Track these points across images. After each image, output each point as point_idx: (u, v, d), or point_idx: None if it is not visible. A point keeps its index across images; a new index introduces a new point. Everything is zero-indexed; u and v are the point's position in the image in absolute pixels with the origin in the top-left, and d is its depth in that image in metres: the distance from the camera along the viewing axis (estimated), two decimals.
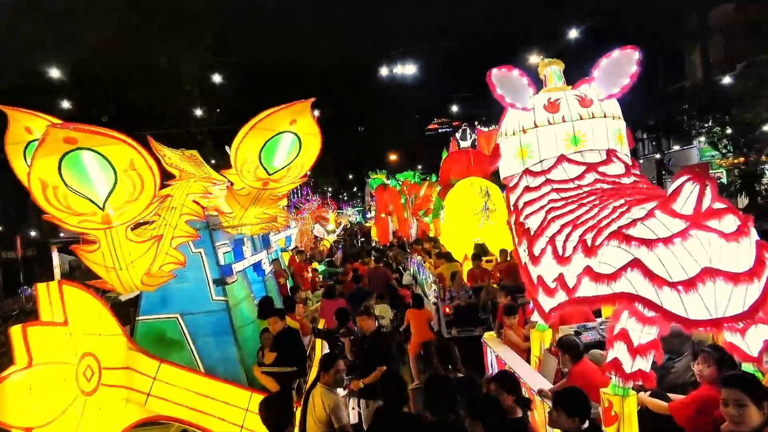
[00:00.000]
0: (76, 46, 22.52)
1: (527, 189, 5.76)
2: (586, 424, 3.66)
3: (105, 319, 4.94)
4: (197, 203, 6.15)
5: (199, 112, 29.37)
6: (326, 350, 7.37)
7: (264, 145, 5.97)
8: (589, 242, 4.36)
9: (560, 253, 4.77)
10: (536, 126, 5.78)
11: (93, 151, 4.61)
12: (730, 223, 3.73)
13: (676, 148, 33.15)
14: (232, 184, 6.83)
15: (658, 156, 33.02)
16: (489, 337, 7.31)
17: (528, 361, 6.26)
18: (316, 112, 6.17)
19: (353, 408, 6.70)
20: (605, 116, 5.68)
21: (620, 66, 5.62)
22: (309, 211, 26.95)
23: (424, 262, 13.56)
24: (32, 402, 3.75)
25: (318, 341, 8.08)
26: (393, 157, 53.66)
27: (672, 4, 27.17)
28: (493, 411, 3.85)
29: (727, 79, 25.36)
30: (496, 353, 6.59)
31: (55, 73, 22.43)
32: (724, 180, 26.45)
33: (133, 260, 5.25)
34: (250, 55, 33.86)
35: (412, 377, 8.79)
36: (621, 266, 3.94)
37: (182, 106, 28.82)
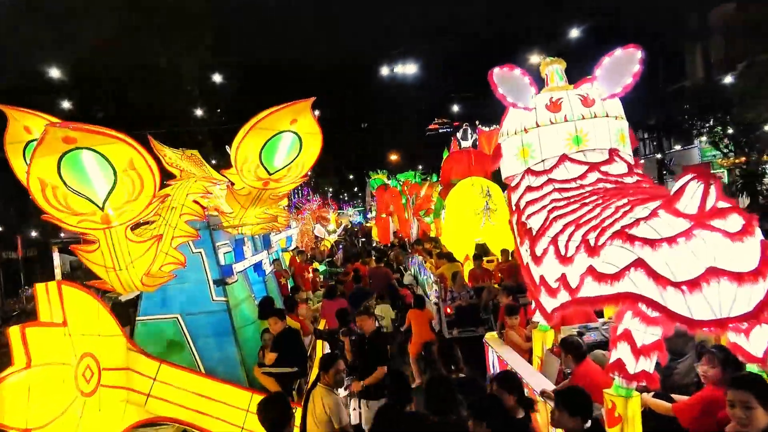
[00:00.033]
0: (76, 46, 22.51)
1: (529, 188, 5.73)
2: (589, 424, 3.64)
3: (104, 319, 4.92)
4: (197, 203, 6.12)
5: (198, 112, 29.36)
6: (327, 351, 7.34)
7: (264, 144, 5.94)
8: (592, 242, 4.33)
9: (563, 252, 4.73)
10: (538, 126, 5.74)
11: (92, 150, 4.58)
12: (734, 222, 3.69)
13: (677, 147, 33.12)
14: (232, 183, 6.80)
15: (659, 156, 32.99)
16: (491, 337, 7.28)
17: (530, 361, 6.23)
18: (317, 112, 6.13)
19: (354, 409, 6.67)
20: (607, 116, 5.63)
21: (623, 65, 5.57)
22: (310, 211, 26.93)
23: (425, 262, 13.54)
24: (31, 403, 3.72)
25: (319, 342, 8.07)
26: (394, 157, 53.60)
27: (672, 4, 27.16)
28: (496, 411, 3.82)
29: (728, 79, 25.33)
30: (498, 354, 6.56)
31: (55, 73, 22.42)
32: (726, 180, 26.41)
33: (132, 260, 5.22)
34: (250, 55, 33.88)
35: (412, 377, 8.76)
36: (624, 266, 3.90)
37: (182, 106, 28.82)
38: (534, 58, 20.34)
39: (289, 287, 11.87)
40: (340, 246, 28.13)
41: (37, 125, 5.19)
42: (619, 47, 5.59)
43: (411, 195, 21.82)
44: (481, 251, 12.31)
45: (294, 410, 4.71)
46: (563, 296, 4.77)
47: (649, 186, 5.30)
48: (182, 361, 6.10)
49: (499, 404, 3.97)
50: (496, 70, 5.76)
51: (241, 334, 6.71)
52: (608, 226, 4.24)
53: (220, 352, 6.48)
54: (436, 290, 11.08)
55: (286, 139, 6.00)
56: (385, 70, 25.89)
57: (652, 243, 3.78)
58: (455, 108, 42.58)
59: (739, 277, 3.54)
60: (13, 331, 3.72)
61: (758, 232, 3.70)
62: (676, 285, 3.64)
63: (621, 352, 3.98)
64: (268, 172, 6.24)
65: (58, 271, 24.67)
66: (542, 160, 5.70)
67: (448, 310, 10.39)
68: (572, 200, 5.11)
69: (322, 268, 17.89)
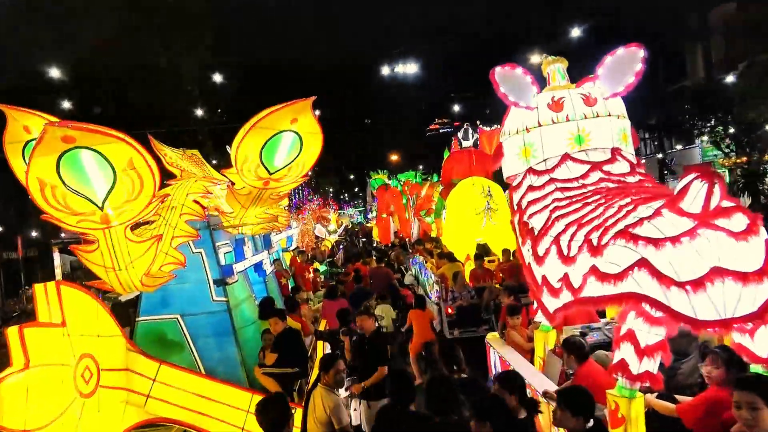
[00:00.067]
0: (76, 46, 22.50)
1: (531, 188, 5.70)
2: (591, 423, 3.61)
3: (103, 320, 4.89)
4: (198, 203, 6.09)
5: (198, 112, 29.34)
6: (328, 351, 7.32)
7: (265, 144, 5.91)
8: (594, 241, 4.30)
9: (565, 252, 4.70)
10: (540, 125, 5.71)
11: (92, 149, 4.55)
12: (739, 221, 3.66)
13: (679, 147, 33.10)
14: (232, 183, 6.77)
15: (660, 156, 32.96)
16: (492, 337, 7.25)
17: (532, 362, 6.20)
18: (317, 112, 6.10)
19: (354, 409, 6.64)
20: (610, 115, 5.61)
21: (625, 64, 5.54)
22: (310, 211, 26.91)
23: (426, 262, 13.51)
24: (29, 404, 3.69)
25: (320, 342, 8.04)
26: (394, 157, 53.60)
27: (673, 4, 27.13)
28: (499, 411, 3.79)
29: (729, 78, 25.31)
30: (500, 354, 6.53)
31: (54, 73, 22.41)
32: (727, 180, 26.35)
33: (132, 260, 5.19)
34: (250, 55, 33.85)
35: (413, 377, 8.73)
36: (628, 266, 3.88)
37: (182, 106, 28.80)
38: (534, 58, 20.29)
39: (290, 287, 11.84)
40: (341, 246, 28.10)
41: (37, 125, 5.16)
42: (620, 46, 5.56)
43: (412, 195, 21.78)
44: (482, 251, 12.28)
45: (294, 411, 4.69)
46: (566, 296, 4.75)
47: (651, 185, 5.27)
48: (182, 361, 6.07)
49: (501, 404, 3.94)
50: (498, 69, 5.74)
51: (241, 335, 6.68)
52: (611, 225, 4.21)
53: (220, 353, 6.45)
54: (437, 290, 11.06)
55: (286, 139, 5.97)
56: (385, 70, 25.88)
57: (655, 242, 3.75)
58: (456, 108, 42.57)
59: (743, 277, 3.51)
60: (12, 332, 3.69)
61: (763, 231, 3.67)
62: (680, 285, 3.61)
63: (624, 352, 3.95)
64: (268, 171, 6.20)
65: (58, 272, 24.66)
66: (544, 160, 5.67)
67: (449, 311, 10.37)
68: (574, 200, 5.08)
69: (322, 268, 17.87)
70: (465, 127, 16.08)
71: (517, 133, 5.92)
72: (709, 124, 27.34)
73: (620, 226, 4.10)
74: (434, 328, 9.32)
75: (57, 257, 25.63)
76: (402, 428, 4.18)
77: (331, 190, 60.78)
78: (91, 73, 24.95)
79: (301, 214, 24.92)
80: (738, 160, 26.09)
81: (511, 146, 6.05)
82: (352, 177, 69.35)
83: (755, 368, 3.93)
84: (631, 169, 5.43)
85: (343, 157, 55.88)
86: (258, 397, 5.17)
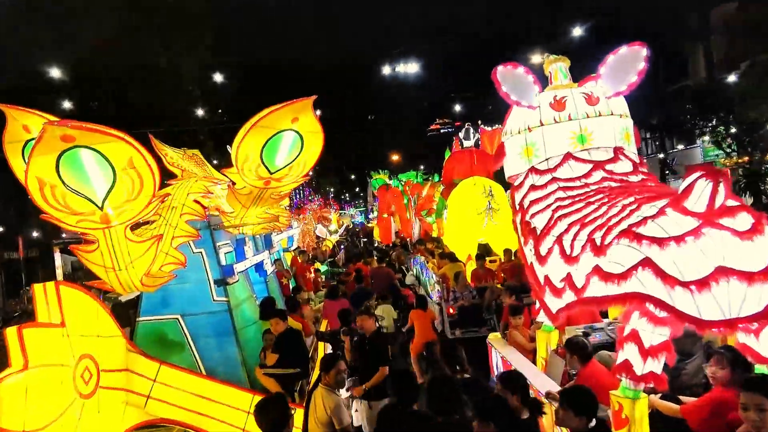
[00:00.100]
0: (76, 46, 22.50)
1: (533, 187, 5.67)
2: (593, 423, 3.59)
3: (103, 320, 4.86)
4: (198, 203, 6.06)
5: (198, 113, 29.33)
6: (329, 351, 7.29)
7: (265, 143, 5.86)
8: (598, 241, 4.26)
9: (568, 252, 4.67)
10: (542, 124, 5.68)
11: (91, 149, 4.52)
12: (744, 220, 3.63)
13: (680, 147, 33.07)
14: (233, 183, 6.74)
15: (661, 155, 32.92)
16: (494, 338, 7.22)
17: (534, 362, 6.17)
18: (318, 112, 6.06)
19: (356, 410, 6.62)
20: (612, 114, 5.58)
21: (628, 63, 5.51)
22: (311, 211, 26.89)
23: (428, 262, 13.48)
24: (28, 405, 3.66)
25: (321, 342, 8.00)
26: (395, 157, 53.56)
27: (675, 4, 27.10)
28: (501, 412, 3.77)
29: (731, 78, 25.27)
30: (502, 354, 6.50)
31: (54, 73, 22.41)
32: None
33: (132, 260, 5.16)
34: (250, 55, 33.84)
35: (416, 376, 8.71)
36: (631, 265, 3.85)
37: (182, 106, 28.79)
38: (535, 58, 20.27)
39: (291, 287, 11.82)
40: (342, 246, 28.08)
41: (36, 124, 5.13)
42: (622, 45, 5.53)
43: (413, 195, 21.76)
44: (484, 251, 12.26)
45: (294, 411, 4.66)
46: (569, 296, 4.71)
47: (654, 184, 5.24)
48: (183, 362, 6.04)
49: (504, 405, 3.92)
50: (500, 68, 5.71)
51: (242, 335, 6.65)
52: (615, 224, 4.18)
53: (221, 353, 6.42)
54: (438, 290, 11.04)
55: (287, 138, 5.93)
56: (385, 70, 25.87)
57: (659, 242, 3.72)
58: (457, 108, 42.54)
59: (749, 277, 3.48)
60: (10, 332, 3.66)
61: None
62: (685, 285, 3.58)
63: (628, 353, 3.92)
64: (269, 171, 6.17)
65: (59, 272, 24.68)
66: (546, 159, 5.65)
67: (451, 311, 10.34)
68: (577, 199, 5.05)
69: (323, 268, 17.84)
70: (466, 126, 16.05)
71: (519, 132, 5.89)
72: (710, 124, 27.33)
73: (624, 225, 4.07)
74: (436, 328, 9.30)
75: (58, 257, 25.66)
76: (404, 428, 4.16)
77: (332, 190, 60.78)
78: (91, 73, 24.96)
79: (302, 214, 24.90)
80: (739, 160, 26.05)
81: (513, 146, 6.02)
82: (352, 177, 69.33)
83: (760, 368, 3.90)
84: (633, 168, 5.40)
85: (344, 157, 55.89)
86: (259, 398, 5.15)
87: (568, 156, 5.52)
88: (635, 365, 3.87)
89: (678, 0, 27.74)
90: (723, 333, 4.16)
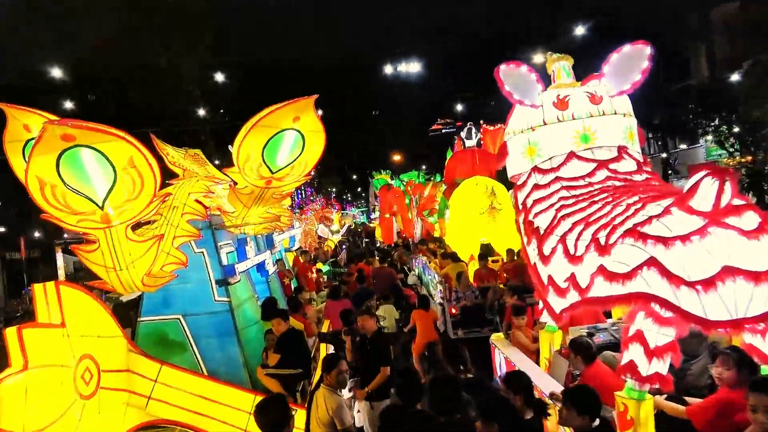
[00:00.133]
0: (76, 46, 22.51)
1: (536, 187, 5.63)
2: (597, 423, 3.55)
3: (104, 320, 4.84)
4: (200, 202, 6.04)
5: (198, 113, 29.31)
6: (331, 351, 7.26)
7: (267, 142, 5.84)
8: (602, 240, 4.23)
9: (572, 251, 4.63)
10: (545, 123, 5.64)
11: (92, 148, 4.50)
12: (750, 220, 3.59)
13: (683, 147, 32.99)
14: (235, 182, 6.71)
15: (664, 155, 32.85)
16: (497, 338, 7.18)
17: (537, 363, 6.13)
18: (319, 112, 6.04)
19: (358, 411, 6.59)
20: (616, 113, 5.54)
21: (631, 61, 5.48)
22: (313, 211, 26.89)
23: (430, 262, 13.45)
24: (28, 406, 3.64)
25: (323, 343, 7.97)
26: (397, 157, 53.50)
27: (677, 3, 27.04)
28: (504, 412, 3.74)
29: (734, 77, 25.21)
30: (505, 355, 6.46)
31: (54, 73, 22.40)
32: None
33: (133, 260, 5.14)
34: (250, 55, 33.78)
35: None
36: (636, 265, 3.82)
37: (182, 107, 28.78)
38: (537, 58, 20.21)
39: (293, 287, 11.79)
40: (344, 246, 28.06)
41: (37, 123, 5.10)
42: (625, 44, 5.49)
43: (414, 195, 21.75)
44: (486, 251, 12.22)
45: (295, 412, 4.63)
46: (573, 296, 4.68)
47: (659, 183, 5.20)
48: (184, 362, 6.02)
49: (507, 405, 3.89)
50: (503, 66, 5.67)
51: (243, 335, 6.63)
52: (619, 224, 4.15)
53: (222, 353, 6.40)
54: (440, 290, 11.00)
55: (288, 137, 5.90)
56: (387, 70, 25.82)
57: (665, 241, 3.69)
58: (459, 108, 42.47)
59: (755, 276, 3.44)
60: (10, 333, 3.64)
61: None
62: (691, 284, 3.55)
63: (633, 353, 3.88)
64: (270, 170, 6.14)
65: (61, 272, 24.65)
66: (549, 158, 5.60)
67: (453, 311, 10.31)
68: (581, 198, 5.01)
69: (325, 268, 17.83)
70: (468, 126, 16.02)
71: (522, 131, 5.85)
72: (713, 124, 27.24)
73: (628, 224, 4.04)
74: (438, 328, 9.27)
75: (60, 258, 25.63)
76: (406, 428, 4.13)
77: (333, 190, 60.76)
78: (91, 73, 24.98)
79: (303, 215, 24.90)
80: (743, 160, 25.96)
81: (516, 145, 5.98)
82: (354, 177, 69.28)
83: (766, 369, 3.87)
84: (637, 167, 5.36)
85: (346, 158, 55.82)
86: (261, 398, 5.13)
87: (571, 155, 5.48)
88: (640, 366, 3.83)
89: None
90: (729, 333, 4.11)
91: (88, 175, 4.59)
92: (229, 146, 6.55)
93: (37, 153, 4.35)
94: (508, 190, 12.66)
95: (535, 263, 5.47)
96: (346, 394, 5.72)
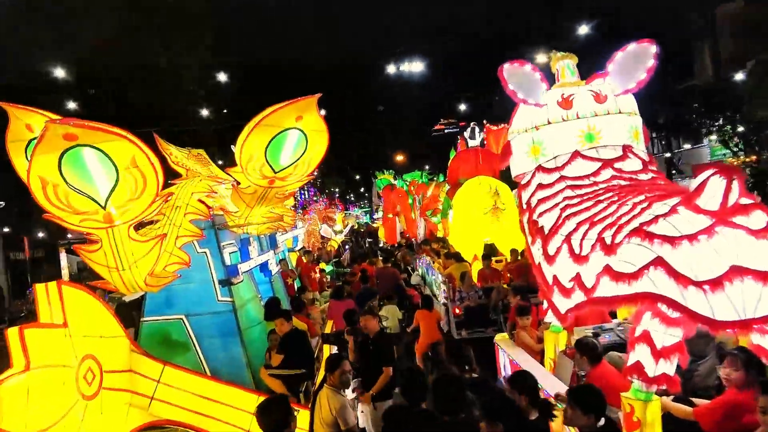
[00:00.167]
0: (76, 46, 22.53)
1: (540, 186, 5.59)
2: (602, 422, 3.52)
3: (106, 320, 4.82)
4: (202, 202, 6.02)
5: (199, 113, 29.32)
6: (334, 351, 7.23)
7: (270, 142, 5.81)
8: (608, 240, 4.19)
9: (577, 251, 4.59)
10: (549, 122, 5.61)
11: (94, 147, 4.48)
12: (758, 219, 3.56)
13: (687, 146, 32.90)
14: (237, 182, 6.70)
15: (668, 155, 32.76)
16: (501, 338, 7.14)
17: (542, 363, 6.09)
18: (322, 112, 6.01)
19: (361, 411, 6.56)
20: (620, 112, 5.50)
21: (636, 60, 5.44)
22: (316, 211, 26.88)
23: (433, 262, 13.41)
24: (30, 407, 3.62)
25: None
26: (400, 157, 53.44)
27: (681, 2, 26.96)
28: (509, 412, 3.71)
29: (738, 76, 25.12)
30: (509, 355, 6.42)
31: (55, 73, 22.42)
32: None
33: (136, 260, 5.12)
34: (250, 55, 33.74)
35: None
36: (643, 265, 3.78)
37: (182, 106, 28.79)
38: (540, 57, 20.18)
39: (296, 288, 11.78)
40: (347, 246, 28.04)
41: (39, 123, 5.08)
42: (629, 43, 5.45)
43: (418, 195, 21.72)
44: (490, 251, 12.17)
45: (299, 412, 4.61)
46: (578, 296, 4.63)
47: (664, 183, 5.16)
48: (187, 362, 6.01)
49: (512, 405, 3.86)
50: (507, 65, 5.64)
51: (247, 335, 6.61)
52: (625, 223, 4.11)
53: (225, 354, 6.38)
54: (444, 291, 10.96)
55: (291, 137, 5.87)
56: (390, 70, 25.80)
57: (672, 241, 3.65)
58: (462, 107, 42.40)
59: (764, 276, 3.41)
60: (12, 333, 3.62)
61: None
62: (698, 284, 3.51)
63: (640, 354, 3.85)
64: (273, 170, 6.11)
65: (65, 272, 24.68)
66: (554, 158, 5.57)
67: (457, 311, 10.27)
68: (586, 197, 4.97)
69: (328, 268, 17.81)
70: (471, 126, 15.98)
71: (526, 131, 5.82)
72: (717, 123, 27.17)
73: (635, 224, 4.00)
74: (441, 328, 9.23)
75: (64, 258, 25.67)
76: (409, 428, 4.10)
77: (336, 190, 60.72)
78: (91, 73, 25.00)
79: (306, 215, 24.89)
80: (747, 159, 25.89)
81: (520, 144, 5.94)
82: (357, 177, 69.23)
83: None
84: (643, 166, 5.31)
85: (349, 158, 55.78)
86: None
87: (576, 154, 5.44)
88: (647, 367, 3.79)
89: None
90: (737, 334, 4.07)
91: (90, 174, 4.57)
92: (232, 146, 6.52)
93: (39, 152, 4.33)
94: (512, 189, 12.63)
95: (539, 263, 5.43)
96: (349, 394, 5.70)
